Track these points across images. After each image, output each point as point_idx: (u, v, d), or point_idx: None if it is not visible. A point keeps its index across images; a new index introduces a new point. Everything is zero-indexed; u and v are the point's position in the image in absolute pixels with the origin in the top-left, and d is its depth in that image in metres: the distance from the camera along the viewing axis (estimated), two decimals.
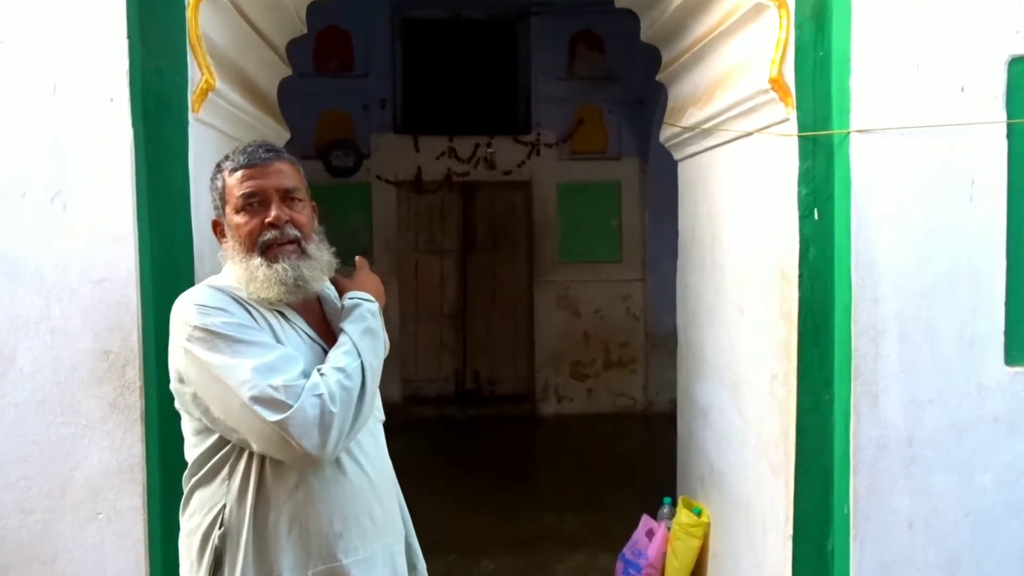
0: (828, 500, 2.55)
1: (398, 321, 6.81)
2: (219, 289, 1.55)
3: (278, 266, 1.53)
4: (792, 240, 2.57)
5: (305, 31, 3.60)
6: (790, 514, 2.61)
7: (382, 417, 1.78)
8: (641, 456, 5.52)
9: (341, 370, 1.47)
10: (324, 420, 1.40)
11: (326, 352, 1.56)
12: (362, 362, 1.51)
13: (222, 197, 1.61)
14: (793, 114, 2.52)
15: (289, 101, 3.78)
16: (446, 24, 6.82)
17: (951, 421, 2.45)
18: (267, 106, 3.29)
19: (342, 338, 1.56)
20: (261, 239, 1.55)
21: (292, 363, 1.46)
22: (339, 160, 6.59)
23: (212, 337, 1.44)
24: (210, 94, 2.44)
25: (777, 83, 2.53)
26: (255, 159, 1.58)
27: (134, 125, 2.30)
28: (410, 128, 6.77)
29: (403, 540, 1.76)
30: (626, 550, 3.58)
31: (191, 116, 2.39)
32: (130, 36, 2.28)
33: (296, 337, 1.57)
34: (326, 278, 1.65)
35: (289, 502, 1.51)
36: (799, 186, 2.54)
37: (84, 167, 2.28)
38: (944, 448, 2.45)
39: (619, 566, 3.57)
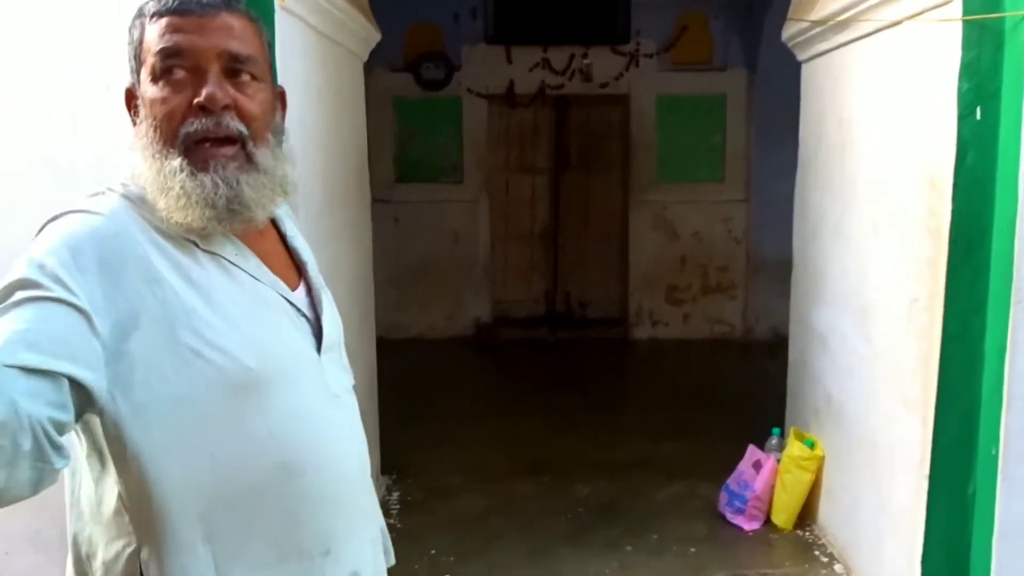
0: (972, 439, 2.27)
1: (488, 240, 6.66)
2: (117, 213, 1.01)
3: (206, 178, 1.01)
4: (947, 144, 2.24)
5: None
6: (927, 452, 2.35)
7: (351, 381, 1.22)
8: (740, 385, 5.27)
9: None
10: None
11: (292, 305, 1.11)
12: None
13: (136, 52, 1.06)
14: None
15: (377, 12, 3.56)
16: None
17: None
18: (358, 3, 3.09)
19: None
20: (185, 129, 1.01)
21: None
22: (429, 72, 6.36)
23: (15, 273, 0.92)
24: None
25: None
26: (191, 2, 1.04)
27: None
28: (502, 39, 6.45)
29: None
30: (730, 481, 3.39)
31: (277, 5, 2.22)
32: None
33: (241, 294, 1.05)
34: (281, 201, 1.12)
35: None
36: (960, 81, 2.20)
37: None
38: None
39: (723, 497, 3.39)
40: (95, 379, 0.90)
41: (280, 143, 1.11)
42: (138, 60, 1.06)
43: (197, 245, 1.03)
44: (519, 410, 4.84)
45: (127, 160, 1.07)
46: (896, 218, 2.57)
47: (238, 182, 1.03)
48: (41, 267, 0.91)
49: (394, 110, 6.41)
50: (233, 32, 1.04)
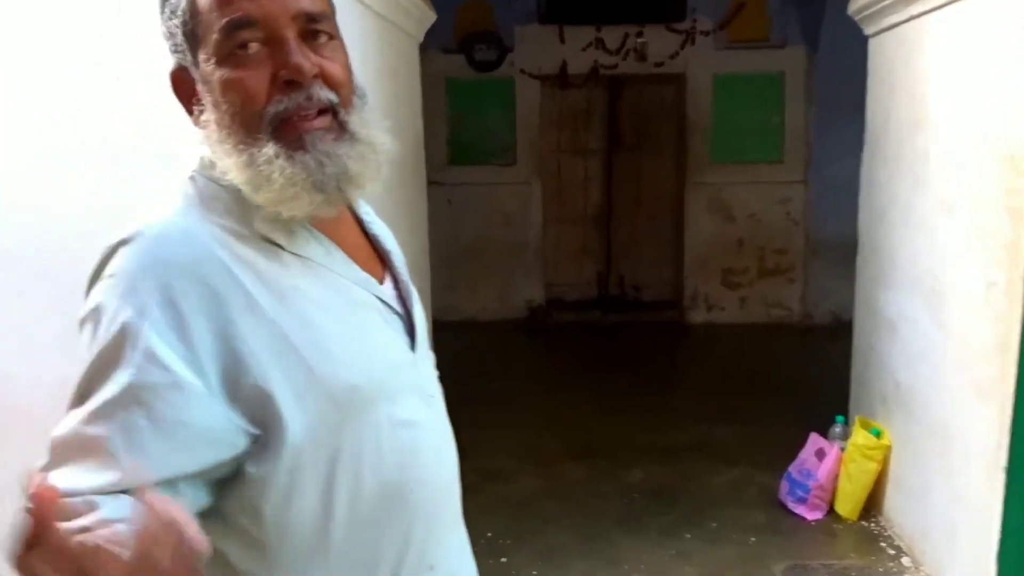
0: None
1: (540, 222, 6.62)
2: (194, 234, 0.86)
3: (306, 158, 0.87)
4: None
5: None
6: (1003, 442, 2.25)
7: (436, 374, 1.11)
8: (799, 370, 5.15)
9: None
10: None
11: (383, 302, 0.97)
12: None
13: (188, 28, 0.88)
14: None
15: None
16: None
17: None
18: None
19: None
20: (272, 109, 0.86)
21: (101, 466, 0.75)
22: (482, 54, 6.31)
23: (99, 344, 0.80)
24: None
25: None
26: None
27: None
28: (555, 18, 6.36)
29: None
30: (792, 469, 3.30)
31: None
32: None
33: (334, 301, 0.92)
34: (383, 173, 0.95)
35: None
36: None
37: None
38: None
39: (784, 485, 3.31)
40: (232, 451, 0.83)
41: (365, 106, 0.95)
42: (192, 37, 0.88)
43: (282, 247, 0.89)
44: (572, 393, 4.81)
45: (191, 152, 0.94)
46: (972, 197, 2.45)
47: (339, 156, 0.88)
48: (137, 335, 0.78)
49: (446, 92, 6.39)
50: None
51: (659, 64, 6.31)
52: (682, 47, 6.31)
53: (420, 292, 1.29)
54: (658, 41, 6.29)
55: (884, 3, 3.01)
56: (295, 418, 0.84)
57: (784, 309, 6.42)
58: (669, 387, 5.10)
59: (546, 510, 3.32)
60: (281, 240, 0.89)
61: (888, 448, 3.06)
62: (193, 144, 0.93)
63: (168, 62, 0.91)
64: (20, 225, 2.13)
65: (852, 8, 3.34)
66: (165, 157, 2.16)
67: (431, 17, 3.39)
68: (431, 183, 4.64)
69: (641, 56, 6.33)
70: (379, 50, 2.77)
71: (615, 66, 6.36)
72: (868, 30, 3.32)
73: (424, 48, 3.67)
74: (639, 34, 6.30)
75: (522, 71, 6.37)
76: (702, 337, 6.24)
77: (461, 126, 6.48)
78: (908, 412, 2.91)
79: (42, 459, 0.79)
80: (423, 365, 1.03)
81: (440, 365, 1.09)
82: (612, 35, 6.32)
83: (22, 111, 1.99)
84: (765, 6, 6.24)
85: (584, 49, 6.34)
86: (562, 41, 6.34)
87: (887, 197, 3.15)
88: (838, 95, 5.81)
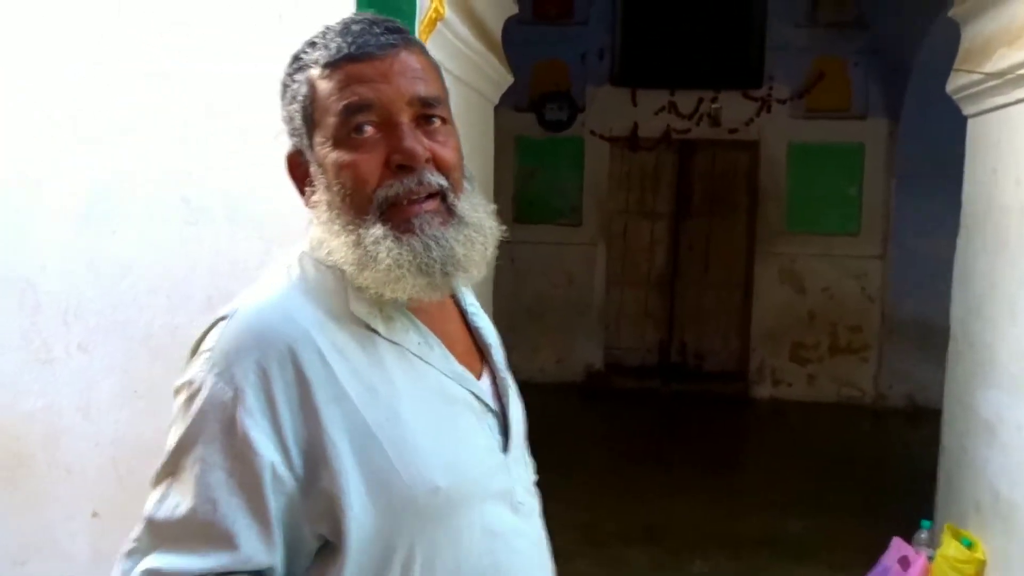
0: None
1: (603, 285, 6.49)
2: (293, 320, 0.86)
3: (414, 240, 0.87)
4: None
5: None
6: None
7: (532, 477, 1.10)
8: (875, 458, 4.86)
9: None
10: None
11: (481, 402, 0.96)
12: None
13: (307, 113, 0.91)
14: None
15: (505, 49, 3.48)
16: None
17: None
18: (492, 45, 3.02)
19: None
20: (383, 192, 0.88)
21: (208, 549, 0.82)
22: (553, 113, 6.29)
23: (191, 419, 0.84)
24: (439, 24, 2.18)
25: None
26: (368, 45, 0.88)
27: None
28: (628, 80, 6.32)
29: None
30: None
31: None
32: None
33: (427, 395, 0.91)
34: (491, 257, 0.95)
35: None
36: None
37: None
38: None
39: None
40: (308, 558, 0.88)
41: (473, 190, 0.96)
42: (309, 121, 0.91)
43: (379, 333, 0.89)
44: (630, 467, 4.61)
45: (305, 230, 0.96)
46: None
47: (447, 240, 0.88)
48: (231, 419, 0.83)
49: (515, 149, 6.37)
50: (418, 72, 0.90)
51: (733, 130, 6.20)
52: (757, 114, 6.20)
53: None
54: (733, 107, 6.19)
55: (988, 84, 2.84)
56: (365, 515, 0.84)
57: (856, 389, 6.12)
58: (734, 467, 4.87)
59: None
60: (379, 326, 0.89)
61: (982, 563, 2.79)
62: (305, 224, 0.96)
63: (284, 145, 0.96)
64: (85, 280, 2.10)
65: (951, 87, 3.17)
66: (238, 219, 2.11)
67: (508, 80, 3.33)
68: None
69: (715, 121, 6.24)
70: (455, 112, 2.72)
71: (688, 130, 6.27)
72: (968, 110, 3.15)
73: (496, 106, 3.62)
74: (714, 99, 6.22)
75: (592, 132, 6.33)
76: (767, 413, 5.98)
77: (528, 184, 6.43)
78: (1008, 526, 2.66)
79: (136, 535, 0.85)
80: (515, 469, 0.99)
81: None
82: (686, 99, 6.25)
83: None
84: (848, 77, 6.10)
85: (657, 113, 6.27)
86: (634, 104, 6.29)
87: (986, 288, 2.94)
88: (921, 169, 5.61)
